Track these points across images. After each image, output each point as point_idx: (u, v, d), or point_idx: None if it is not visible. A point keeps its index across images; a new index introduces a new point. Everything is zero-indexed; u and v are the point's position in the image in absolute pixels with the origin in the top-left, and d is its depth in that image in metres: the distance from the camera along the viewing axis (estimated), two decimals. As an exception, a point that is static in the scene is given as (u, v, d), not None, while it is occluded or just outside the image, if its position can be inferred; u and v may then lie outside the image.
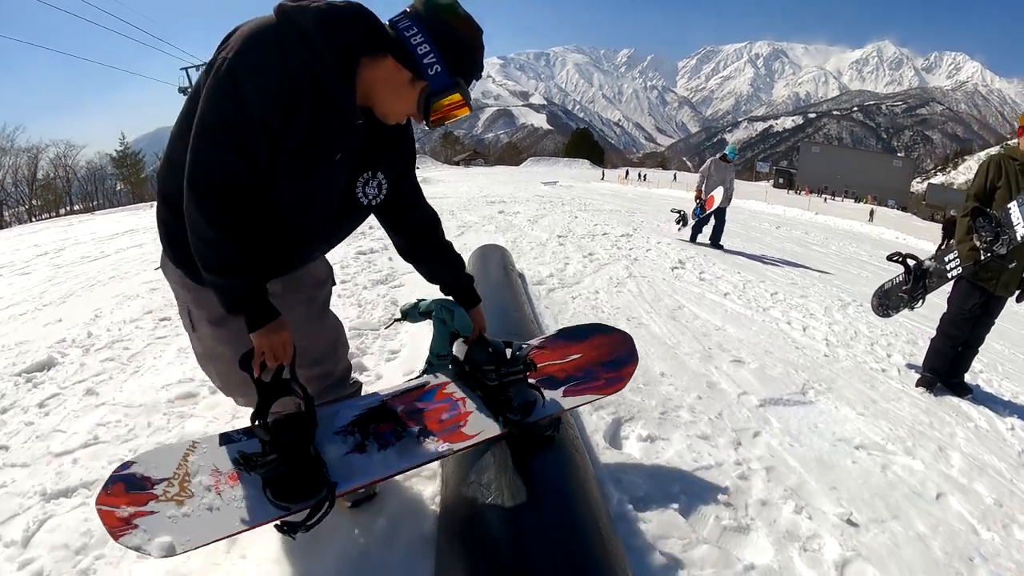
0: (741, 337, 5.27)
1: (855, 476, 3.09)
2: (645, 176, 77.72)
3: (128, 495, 1.76)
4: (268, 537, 2.17)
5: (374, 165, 1.97)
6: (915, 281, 5.00)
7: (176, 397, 3.45)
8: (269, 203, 1.79)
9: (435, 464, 2.47)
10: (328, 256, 2.41)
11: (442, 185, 28.73)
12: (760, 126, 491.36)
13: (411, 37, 1.69)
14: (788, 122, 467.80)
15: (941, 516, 2.87)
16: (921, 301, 5.03)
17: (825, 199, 55.76)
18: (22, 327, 5.15)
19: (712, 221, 11.74)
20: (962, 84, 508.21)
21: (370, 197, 2.02)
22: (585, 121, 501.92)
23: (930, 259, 4.97)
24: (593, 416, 3.16)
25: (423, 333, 4.84)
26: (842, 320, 6.55)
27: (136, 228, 12.81)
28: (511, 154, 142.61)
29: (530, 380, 2.26)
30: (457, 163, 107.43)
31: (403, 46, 1.70)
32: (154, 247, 9.24)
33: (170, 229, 1.92)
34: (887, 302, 5.34)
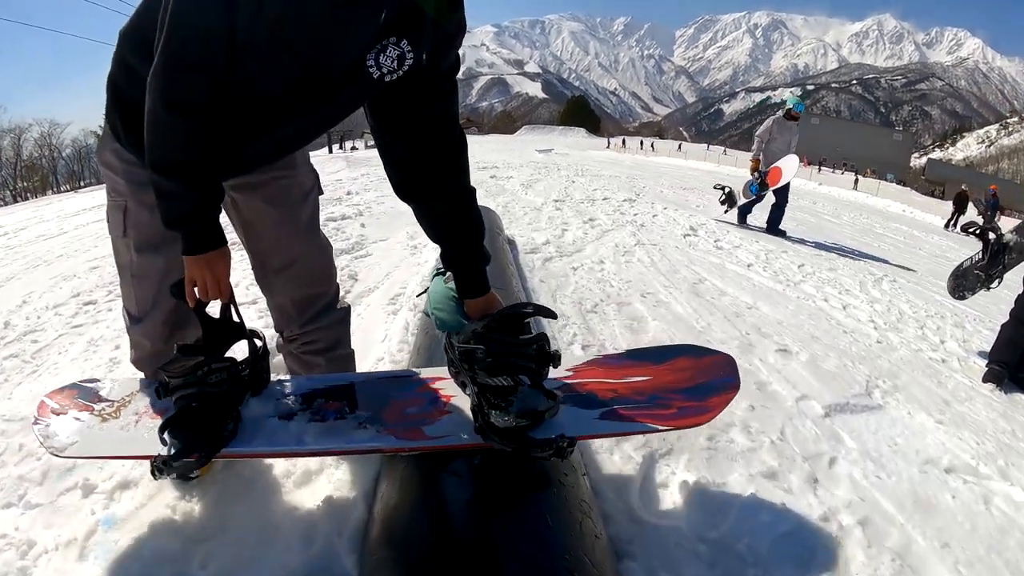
0: (779, 318, 4.54)
1: (960, 520, 2.33)
2: (653, 145, 76.91)
3: (74, 401, 1.89)
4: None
5: (400, 31, 1.47)
6: (992, 257, 4.28)
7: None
8: (254, 61, 1.39)
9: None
10: None
11: None
12: (758, 97, 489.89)
13: None
14: (786, 93, 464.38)
15: None
16: (998, 280, 4.30)
17: (820, 170, 55.19)
18: None
19: (769, 199, 9.16)
20: (963, 61, 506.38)
21: (384, 70, 1.50)
22: (581, 90, 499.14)
23: (1012, 231, 4.23)
24: (615, 455, 2.25)
25: (378, 318, 4.07)
26: (881, 297, 5.87)
27: (102, 204, 11.84)
28: (505, 123, 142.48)
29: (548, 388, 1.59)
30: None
31: None
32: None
33: (121, 91, 1.59)
34: (963, 283, 4.62)
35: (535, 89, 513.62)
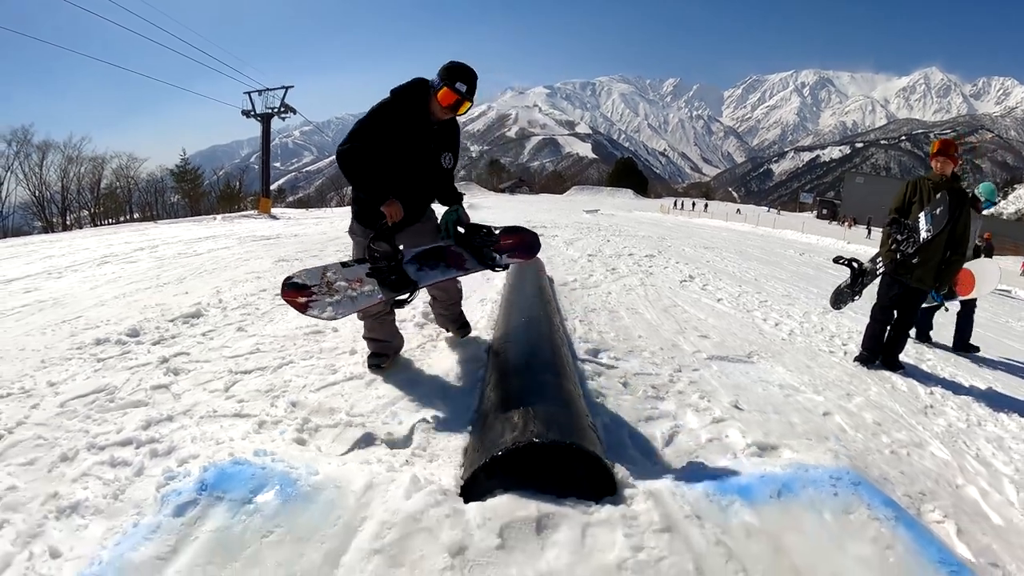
0: (716, 324, 6.66)
1: (759, 395, 4.42)
2: (706, 206, 77.83)
3: (297, 292, 3.56)
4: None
5: (449, 148, 4.00)
6: (855, 278, 6.40)
7: (308, 332, 4.99)
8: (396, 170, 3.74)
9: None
10: None
11: (488, 211, 29.97)
12: (807, 156, 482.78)
13: (436, 81, 3.73)
14: (835, 152, 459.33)
15: (819, 422, 4.01)
16: (859, 295, 6.39)
17: (849, 225, 56.45)
18: (153, 296, 6.45)
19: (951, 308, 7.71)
20: (1011, 110, 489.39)
21: (447, 164, 4.02)
22: (630, 151, 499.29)
23: (868, 261, 6.34)
24: (580, 346, 4.87)
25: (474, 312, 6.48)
26: (816, 321, 7.68)
27: (215, 235, 14.27)
28: (556, 182, 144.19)
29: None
30: (502, 190, 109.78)
31: (437, 85, 3.71)
32: (241, 249, 11.02)
33: (355, 209, 4.02)
34: (840, 298, 6.73)
35: (585, 150, 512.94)
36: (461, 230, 4.21)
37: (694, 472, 3.02)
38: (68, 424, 3.31)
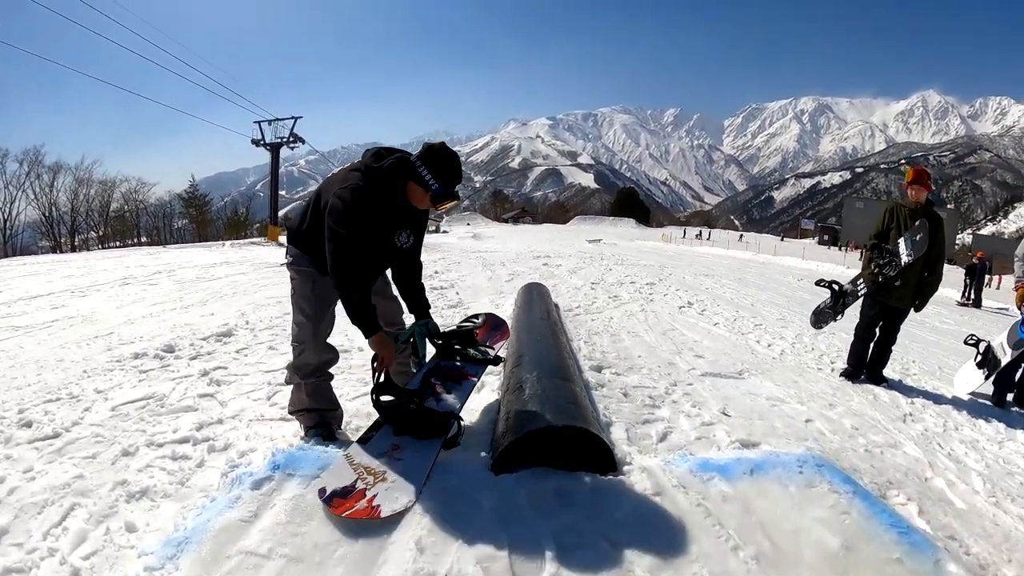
0: (711, 346, 7.08)
1: (747, 404, 4.80)
2: (709, 235, 78.75)
3: (347, 500, 2.70)
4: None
5: (410, 226, 3.47)
6: (835, 300, 6.78)
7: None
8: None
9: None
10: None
11: (492, 241, 30.49)
12: (807, 182, 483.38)
13: (420, 170, 3.14)
14: (836, 177, 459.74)
15: (800, 426, 4.39)
16: (841, 315, 6.77)
17: (850, 250, 57.30)
18: (180, 316, 7.02)
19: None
20: (1009, 129, 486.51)
21: (403, 243, 3.46)
22: (632, 180, 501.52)
23: (849, 283, 6.71)
24: (585, 363, 5.31)
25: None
26: (808, 342, 7.99)
27: (230, 261, 14.85)
28: (558, 213, 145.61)
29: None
30: (506, 220, 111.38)
31: (420, 176, 3.15)
32: (257, 276, 11.66)
33: (298, 240, 3.50)
34: (820, 318, 7.10)
35: (588, 180, 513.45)
36: (437, 342, 3.81)
37: (682, 457, 3.50)
38: (124, 425, 3.80)
